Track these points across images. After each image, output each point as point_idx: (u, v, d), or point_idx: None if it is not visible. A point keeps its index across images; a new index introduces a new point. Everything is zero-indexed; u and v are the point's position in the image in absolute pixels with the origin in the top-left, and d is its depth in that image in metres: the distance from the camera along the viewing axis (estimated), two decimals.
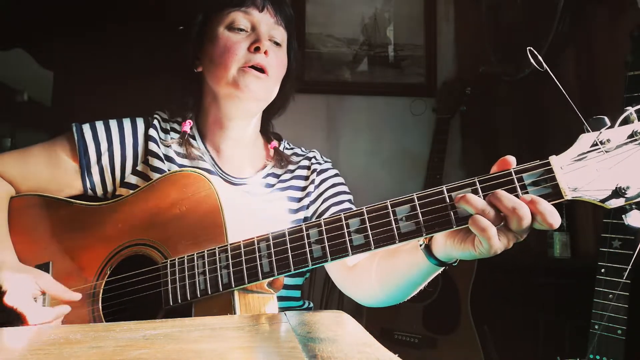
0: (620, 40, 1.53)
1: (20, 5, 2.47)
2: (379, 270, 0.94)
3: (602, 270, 1.30)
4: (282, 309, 1.09)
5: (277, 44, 1.11)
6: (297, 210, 1.13)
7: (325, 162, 1.23)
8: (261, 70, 1.06)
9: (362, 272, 0.99)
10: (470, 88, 2.32)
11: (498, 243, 0.69)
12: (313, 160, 1.20)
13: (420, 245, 0.80)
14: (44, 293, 0.91)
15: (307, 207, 1.15)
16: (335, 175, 1.20)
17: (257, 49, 1.05)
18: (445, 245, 0.76)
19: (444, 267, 0.82)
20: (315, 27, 2.50)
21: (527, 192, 0.68)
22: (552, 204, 0.68)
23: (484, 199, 0.69)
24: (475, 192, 0.70)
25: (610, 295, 1.27)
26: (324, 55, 2.50)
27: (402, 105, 2.50)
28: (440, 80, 2.50)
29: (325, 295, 1.93)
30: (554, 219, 0.67)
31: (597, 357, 1.27)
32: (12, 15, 2.50)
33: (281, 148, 1.22)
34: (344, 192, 1.17)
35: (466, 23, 2.52)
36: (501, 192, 0.68)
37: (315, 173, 1.17)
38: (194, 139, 1.15)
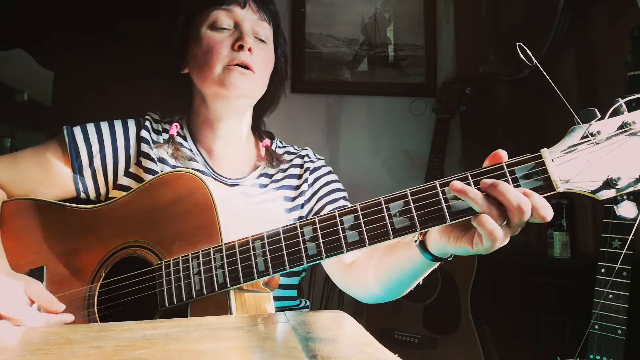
0: (620, 40, 1.53)
1: (20, 5, 2.47)
2: (376, 267, 0.94)
3: (602, 270, 1.30)
4: (279, 309, 1.09)
5: (261, 40, 1.10)
6: (291, 210, 1.13)
7: (319, 159, 1.22)
8: (246, 67, 1.04)
9: (360, 269, 0.99)
10: (470, 88, 2.32)
11: (498, 240, 0.69)
12: (306, 159, 1.19)
13: (415, 242, 0.80)
14: (32, 302, 0.89)
15: (302, 206, 1.14)
16: (329, 172, 1.20)
17: (241, 47, 1.04)
18: (440, 241, 0.76)
19: (439, 262, 0.82)
20: (315, 27, 2.50)
21: (519, 185, 0.68)
22: (545, 197, 0.68)
23: (482, 192, 0.69)
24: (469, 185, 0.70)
25: (610, 295, 1.27)
26: (324, 55, 2.50)
27: (402, 105, 2.50)
28: (440, 80, 2.50)
29: (325, 295, 1.92)
30: (547, 212, 0.67)
31: (597, 357, 1.27)
32: (12, 15, 2.50)
33: (273, 147, 1.22)
34: (339, 190, 1.17)
35: (466, 23, 2.52)
36: (506, 186, 0.67)
37: (309, 172, 1.16)
38: (185, 140, 1.14)
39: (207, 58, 1.05)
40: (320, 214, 1.10)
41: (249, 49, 1.05)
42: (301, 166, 1.18)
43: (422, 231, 0.73)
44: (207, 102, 1.11)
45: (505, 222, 0.68)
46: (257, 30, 1.09)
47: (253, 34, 1.08)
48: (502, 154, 0.71)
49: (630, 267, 1.26)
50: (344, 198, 1.16)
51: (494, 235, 0.67)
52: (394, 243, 0.87)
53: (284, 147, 1.25)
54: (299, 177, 1.17)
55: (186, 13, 1.13)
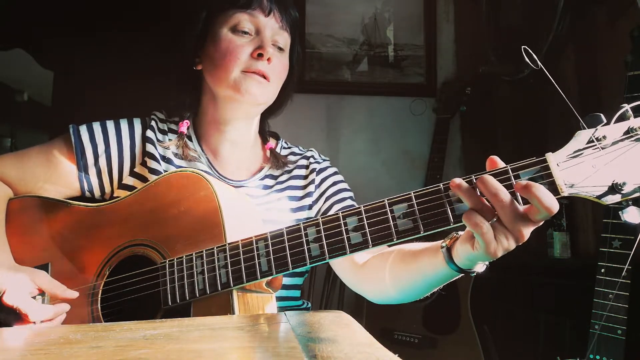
0: (620, 40, 1.53)
1: (20, 5, 2.47)
2: (395, 270, 0.93)
3: (602, 270, 1.30)
4: (281, 309, 1.09)
5: (280, 48, 1.09)
6: (297, 210, 1.13)
7: (324, 160, 1.22)
8: (263, 76, 1.04)
9: (374, 270, 0.98)
10: (470, 88, 2.32)
11: (493, 240, 0.68)
12: (311, 160, 1.19)
13: (442, 247, 0.79)
14: (41, 291, 0.90)
15: (310, 207, 1.14)
16: (335, 173, 1.20)
17: (260, 56, 1.04)
18: (457, 247, 0.76)
19: (462, 274, 0.80)
20: (315, 27, 2.50)
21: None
22: None
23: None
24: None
25: (610, 295, 1.27)
26: (324, 55, 2.50)
27: (402, 105, 2.50)
28: (440, 80, 2.50)
29: (325, 295, 1.92)
30: (550, 201, 0.65)
31: (597, 357, 1.27)
32: (12, 15, 2.50)
33: (278, 148, 1.22)
34: (345, 190, 1.17)
35: (466, 23, 2.52)
36: (487, 177, 0.68)
37: (315, 173, 1.16)
38: (190, 139, 1.14)
39: (225, 61, 1.04)
40: (328, 213, 1.11)
41: (268, 59, 1.04)
42: (307, 167, 1.18)
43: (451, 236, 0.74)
44: (218, 103, 1.10)
45: (495, 219, 0.68)
46: (276, 39, 1.08)
47: (272, 42, 1.07)
48: (497, 159, 0.72)
49: (630, 267, 1.26)
50: (350, 198, 1.16)
51: (480, 228, 0.67)
52: (420, 249, 0.87)
53: (289, 147, 1.24)
54: (305, 177, 1.17)
55: (208, 10, 1.11)
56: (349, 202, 1.14)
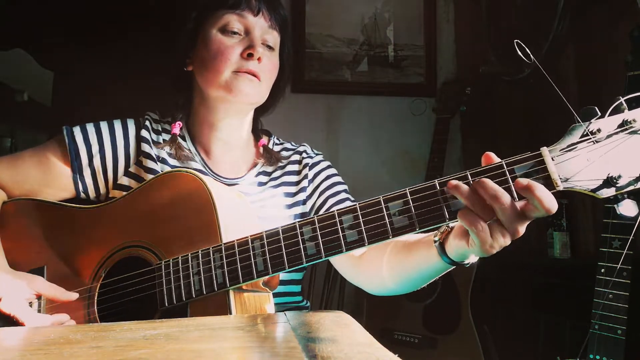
0: (620, 40, 1.53)
1: (20, 5, 2.47)
2: (392, 262, 0.93)
3: (602, 270, 1.30)
4: (281, 304, 1.09)
5: (269, 47, 1.10)
6: (291, 206, 1.13)
7: (317, 155, 1.22)
8: (253, 75, 1.05)
9: (372, 263, 0.99)
10: (470, 88, 2.32)
11: (489, 238, 0.68)
12: (304, 155, 1.19)
13: (435, 242, 0.79)
14: (39, 297, 0.90)
15: (304, 202, 1.14)
16: (328, 167, 1.20)
17: (250, 55, 1.04)
18: (453, 242, 0.76)
19: (455, 267, 0.80)
20: (315, 27, 2.50)
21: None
22: None
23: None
24: (467, 185, 0.70)
25: (610, 295, 1.27)
26: (324, 55, 2.50)
27: (402, 105, 2.50)
28: (440, 80, 2.50)
29: (325, 295, 1.92)
30: (551, 203, 0.65)
31: (597, 357, 1.27)
32: (12, 15, 2.50)
33: (270, 144, 1.22)
34: (339, 183, 1.17)
35: (466, 23, 2.52)
36: (485, 180, 0.67)
37: (308, 167, 1.17)
38: (184, 139, 1.14)
39: (215, 62, 1.04)
40: (322, 208, 1.11)
41: (258, 59, 1.05)
42: (299, 162, 1.18)
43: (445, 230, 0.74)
44: (209, 103, 1.11)
45: (494, 219, 0.68)
46: (266, 38, 1.09)
47: (262, 41, 1.08)
48: (492, 155, 0.71)
49: (630, 267, 1.26)
50: (345, 191, 1.16)
51: (475, 226, 0.67)
52: (413, 241, 0.88)
53: (282, 144, 1.25)
54: (298, 173, 1.17)
55: (198, 11, 1.12)
56: (343, 196, 1.14)
